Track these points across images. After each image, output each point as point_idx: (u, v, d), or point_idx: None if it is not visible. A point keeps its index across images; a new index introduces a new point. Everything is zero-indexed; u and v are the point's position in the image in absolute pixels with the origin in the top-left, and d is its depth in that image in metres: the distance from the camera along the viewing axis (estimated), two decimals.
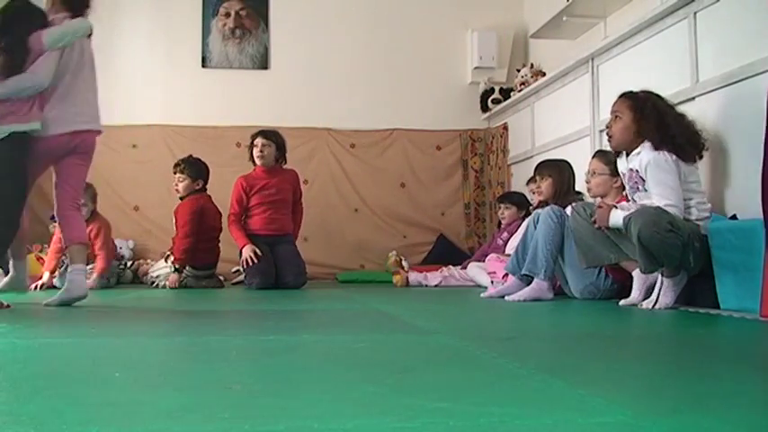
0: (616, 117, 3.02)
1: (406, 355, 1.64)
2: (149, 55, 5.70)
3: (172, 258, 4.54)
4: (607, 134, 3.13)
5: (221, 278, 4.84)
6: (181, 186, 4.65)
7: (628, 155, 3.01)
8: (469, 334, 2.05)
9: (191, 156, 4.79)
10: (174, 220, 4.64)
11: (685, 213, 2.82)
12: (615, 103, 3.05)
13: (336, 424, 0.91)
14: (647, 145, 2.89)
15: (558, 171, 3.73)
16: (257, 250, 4.39)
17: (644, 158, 2.87)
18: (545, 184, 3.75)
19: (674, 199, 2.78)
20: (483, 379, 1.27)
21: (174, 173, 4.69)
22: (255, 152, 4.62)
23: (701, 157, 2.91)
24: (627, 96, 3.03)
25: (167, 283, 4.44)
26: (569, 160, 3.90)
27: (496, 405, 1.03)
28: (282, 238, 4.61)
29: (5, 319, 2.47)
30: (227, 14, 5.82)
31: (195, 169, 4.68)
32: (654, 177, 2.83)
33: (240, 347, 1.74)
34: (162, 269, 4.71)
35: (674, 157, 2.83)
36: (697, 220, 2.83)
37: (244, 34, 5.83)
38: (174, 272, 4.43)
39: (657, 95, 3.01)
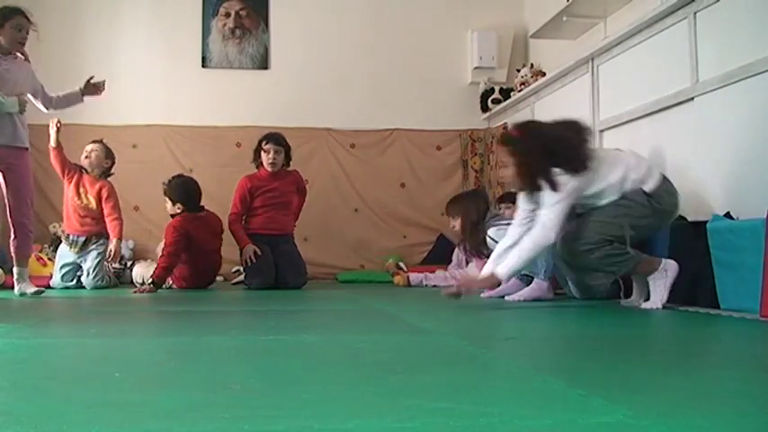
0: (503, 167, 2.98)
1: (406, 355, 1.64)
2: (149, 55, 5.70)
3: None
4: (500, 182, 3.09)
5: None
6: (167, 206, 4.57)
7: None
8: (469, 334, 2.05)
9: (179, 175, 4.68)
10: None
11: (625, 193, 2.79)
12: (498, 152, 2.98)
13: (336, 424, 0.91)
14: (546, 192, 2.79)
15: (465, 208, 3.73)
16: (257, 250, 4.39)
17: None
18: (457, 224, 3.78)
19: (554, 222, 2.74)
20: (483, 379, 1.27)
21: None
22: (266, 158, 4.56)
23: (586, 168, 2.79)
24: (504, 142, 2.95)
25: (136, 289, 4.09)
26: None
27: (496, 405, 1.03)
28: (283, 238, 4.61)
29: (5, 319, 2.47)
30: (228, 14, 5.82)
31: (175, 193, 4.52)
32: (547, 201, 2.79)
33: (240, 347, 1.74)
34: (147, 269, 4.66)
35: (569, 177, 2.75)
36: (644, 193, 2.78)
37: (244, 34, 5.83)
38: (150, 284, 4.10)
39: (535, 123, 2.98)
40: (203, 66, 5.77)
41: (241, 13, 5.83)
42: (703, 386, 1.22)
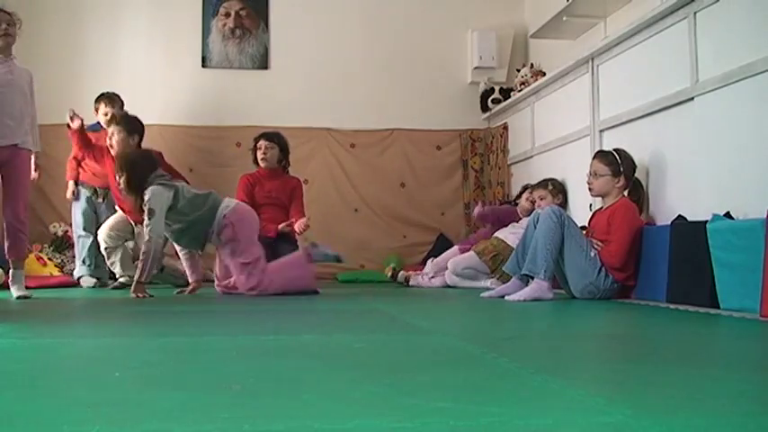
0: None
1: (405, 354, 1.64)
2: (149, 55, 5.70)
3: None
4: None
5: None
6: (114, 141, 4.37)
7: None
8: (469, 334, 2.05)
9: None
10: None
11: None
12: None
13: (336, 424, 0.91)
14: None
15: (131, 165, 3.68)
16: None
17: None
18: (122, 181, 3.70)
19: None
20: (483, 379, 1.27)
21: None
22: (259, 154, 4.64)
23: None
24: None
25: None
26: (569, 160, 3.93)
27: (496, 405, 1.03)
28: (283, 238, 4.60)
29: (5, 319, 2.47)
30: (227, 14, 5.82)
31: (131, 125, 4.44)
32: None
33: (240, 347, 1.74)
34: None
35: None
36: None
37: (244, 34, 5.83)
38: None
39: None
40: (203, 66, 5.78)
41: (241, 12, 5.83)
42: (703, 386, 1.21)
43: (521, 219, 4.66)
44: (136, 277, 3.60)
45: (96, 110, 4.87)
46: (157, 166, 3.76)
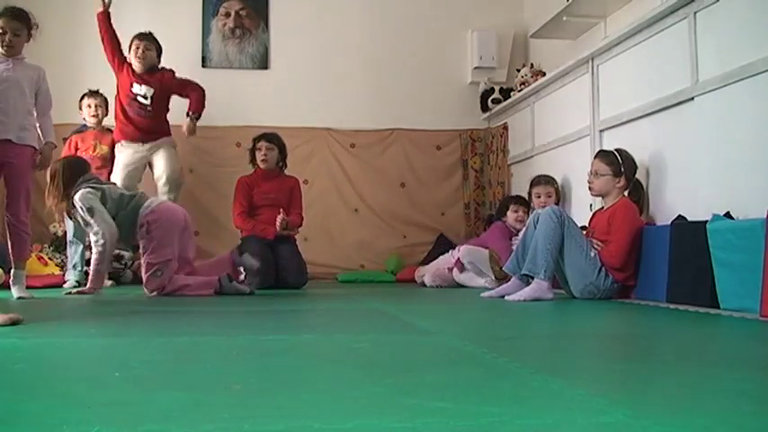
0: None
1: (406, 354, 1.64)
2: None
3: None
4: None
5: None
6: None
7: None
8: (470, 334, 2.05)
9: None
10: None
11: None
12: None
13: (336, 424, 0.91)
14: None
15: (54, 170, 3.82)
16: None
17: None
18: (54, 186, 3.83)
19: None
20: (483, 379, 1.27)
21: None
22: (259, 156, 4.65)
23: None
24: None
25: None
26: (569, 160, 3.94)
27: (497, 405, 1.03)
28: (283, 239, 4.60)
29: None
30: (228, 14, 5.82)
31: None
32: None
33: (240, 347, 1.74)
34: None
35: None
36: None
37: (244, 34, 5.83)
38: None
39: None
40: (203, 66, 5.78)
41: (241, 12, 5.83)
42: (703, 386, 1.21)
43: (518, 232, 4.51)
44: (91, 277, 3.70)
45: (81, 107, 4.90)
46: (87, 170, 3.86)
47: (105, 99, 4.91)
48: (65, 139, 4.79)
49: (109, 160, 4.81)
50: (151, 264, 3.66)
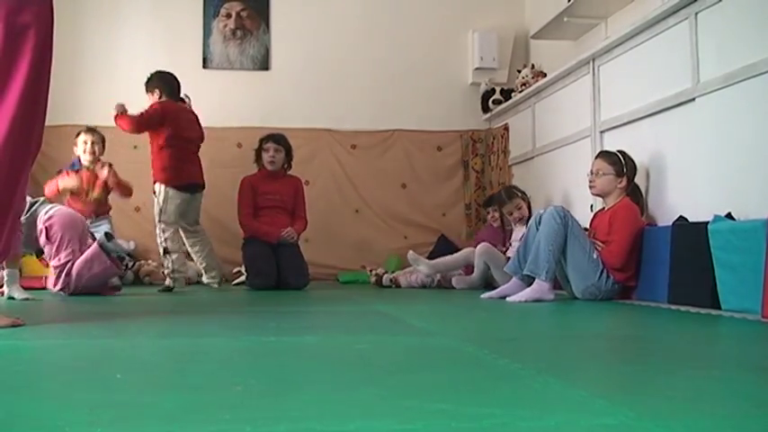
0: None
1: (407, 356, 1.64)
2: (150, 56, 5.68)
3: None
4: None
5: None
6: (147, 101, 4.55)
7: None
8: (471, 335, 2.05)
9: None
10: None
11: None
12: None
13: (337, 425, 0.91)
14: None
15: None
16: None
17: None
18: None
19: None
20: (485, 380, 1.27)
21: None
22: (266, 157, 4.64)
23: None
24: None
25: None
26: (570, 161, 3.94)
27: (498, 406, 1.03)
28: (284, 241, 4.60)
29: None
30: (228, 15, 5.82)
31: (152, 82, 4.57)
32: None
33: (242, 348, 1.74)
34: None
35: None
36: None
37: (245, 35, 5.84)
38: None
39: None
40: (204, 67, 5.78)
41: (242, 13, 5.83)
42: (704, 387, 1.21)
43: (510, 243, 4.54)
44: None
45: (76, 143, 4.68)
46: None
47: (102, 137, 4.72)
48: (58, 171, 4.64)
49: (103, 203, 4.71)
50: (55, 267, 3.74)
